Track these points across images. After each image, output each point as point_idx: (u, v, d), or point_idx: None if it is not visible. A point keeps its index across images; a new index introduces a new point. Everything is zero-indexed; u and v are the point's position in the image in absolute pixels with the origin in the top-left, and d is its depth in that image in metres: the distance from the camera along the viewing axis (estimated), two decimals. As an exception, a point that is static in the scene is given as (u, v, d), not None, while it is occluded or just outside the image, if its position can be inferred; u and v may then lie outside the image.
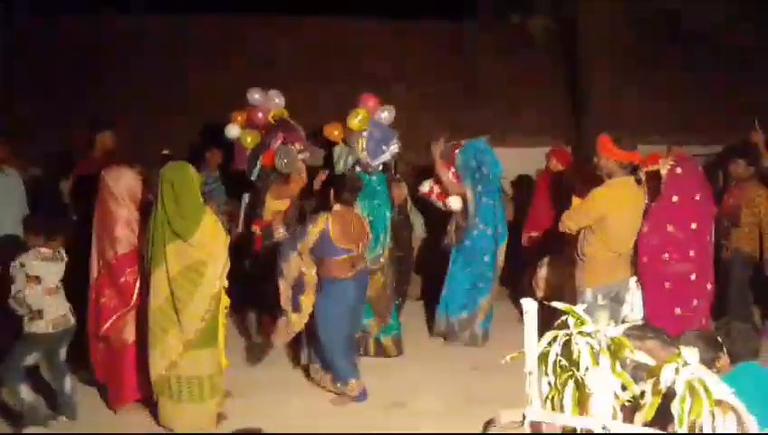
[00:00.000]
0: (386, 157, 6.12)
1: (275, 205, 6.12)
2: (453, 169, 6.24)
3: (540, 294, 6.19)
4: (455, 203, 6.26)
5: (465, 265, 6.26)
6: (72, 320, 4.76)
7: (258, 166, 6.38)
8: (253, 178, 6.49)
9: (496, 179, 6.27)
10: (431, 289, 6.59)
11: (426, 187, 6.46)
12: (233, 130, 6.62)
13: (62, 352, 4.80)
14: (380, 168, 6.17)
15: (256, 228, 6.16)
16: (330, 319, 5.04)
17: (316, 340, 5.17)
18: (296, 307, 4.97)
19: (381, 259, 5.86)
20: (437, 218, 6.63)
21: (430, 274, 6.99)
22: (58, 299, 4.70)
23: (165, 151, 6.05)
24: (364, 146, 6.03)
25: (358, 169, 6.10)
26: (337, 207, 5.13)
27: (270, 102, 6.55)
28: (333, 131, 6.42)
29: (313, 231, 4.93)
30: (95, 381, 5.07)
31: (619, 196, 4.86)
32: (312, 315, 5.03)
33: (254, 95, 6.64)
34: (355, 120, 6.03)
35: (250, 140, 6.55)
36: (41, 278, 4.59)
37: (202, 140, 7.64)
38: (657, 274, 4.94)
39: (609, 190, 4.85)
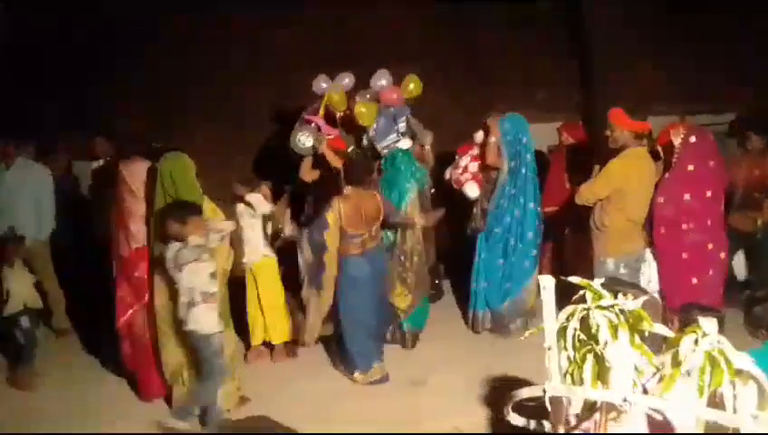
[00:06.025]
0: (392, 139, 5.91)
1: None
2: (493, 139, 5.89)
3: None
4: (471, 190, 6.03)
5: (497, 250, 5.94)
6: None
7: None
8: None
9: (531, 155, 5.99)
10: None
11: (447, 174, 6.25)
12: None
13: None
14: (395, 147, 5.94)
15: None
16: (347, 296, 5.15)
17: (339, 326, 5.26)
18: (318, 285, 5.11)
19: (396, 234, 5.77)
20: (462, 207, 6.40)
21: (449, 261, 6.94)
22: None
23: (156, 144, 5.84)
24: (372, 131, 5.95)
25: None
26: (348, 189, 5.22)
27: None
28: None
29: (332, 217, 5.05)
30: (125, 373, 5.10)
31: (636, 166, 4.90)
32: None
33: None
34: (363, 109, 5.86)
35: None
36: None
37: None
38: (675, 244, 4.94)
39: (626, 161, 4.89)
